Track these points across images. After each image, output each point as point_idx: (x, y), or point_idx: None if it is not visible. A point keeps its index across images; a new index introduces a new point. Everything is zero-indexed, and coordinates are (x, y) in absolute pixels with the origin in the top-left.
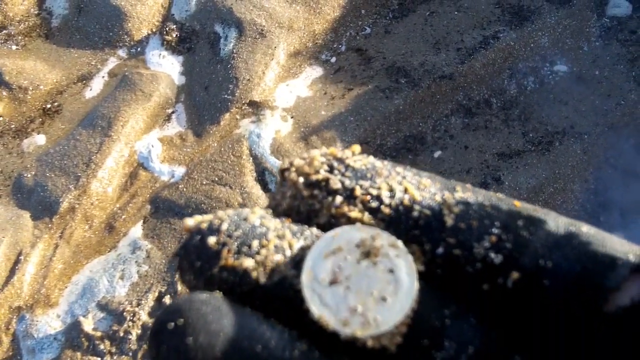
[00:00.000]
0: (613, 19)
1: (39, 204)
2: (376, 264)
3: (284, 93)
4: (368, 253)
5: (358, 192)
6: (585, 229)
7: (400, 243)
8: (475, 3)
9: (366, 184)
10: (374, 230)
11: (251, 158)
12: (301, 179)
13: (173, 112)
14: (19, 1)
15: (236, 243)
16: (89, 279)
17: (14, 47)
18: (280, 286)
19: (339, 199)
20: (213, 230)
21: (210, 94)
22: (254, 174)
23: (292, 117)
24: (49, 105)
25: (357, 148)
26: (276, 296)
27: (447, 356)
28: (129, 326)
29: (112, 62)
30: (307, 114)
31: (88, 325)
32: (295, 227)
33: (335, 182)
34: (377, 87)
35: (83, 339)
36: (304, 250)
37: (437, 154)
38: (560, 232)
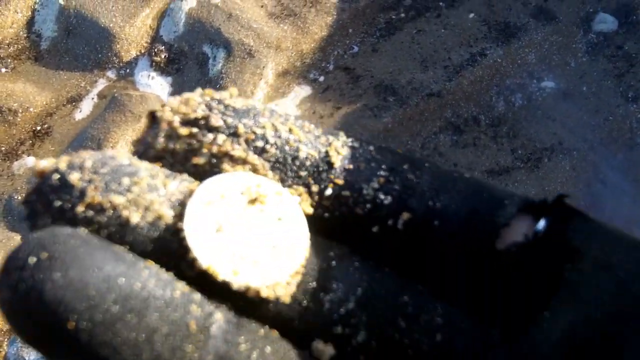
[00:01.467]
0: (599, 34)
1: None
2: (263, 212)
3: None
4: (254, 200)
5: (241, 130)
6: (468, 175)
7: (286, 191)
8: (461, 21)
9: (249, 122)
10: (258, 177)
11: None
12: (177, 118)
13: None
14: (7, 24)
15: (104, 180)
16: None
17: (3, 70)
18: (155, 227)
19: (221, 136)
20: (75, 167)
21: None
22: None
23: None
24: (38, 127)
25: (234, 91)
26: (150, 239)
27: (335, 298)
28: None
29: (101, 84)
30: None
31: None
32: (168, 171)
33: (217, 119)
34: (366, 106)
35: None
36: (183, 196)
37: None
38: (444, 176)
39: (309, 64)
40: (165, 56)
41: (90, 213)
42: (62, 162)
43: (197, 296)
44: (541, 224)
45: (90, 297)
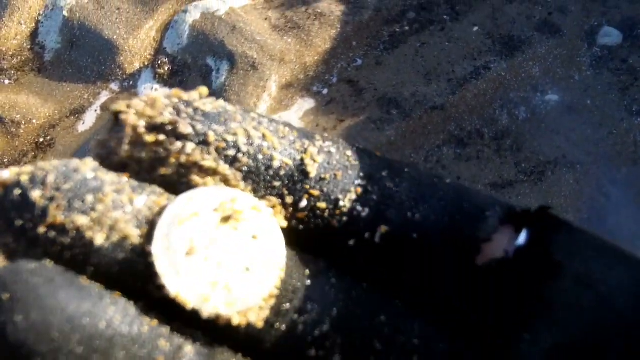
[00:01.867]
0: (604, 48)
1: None
2: (237, 230)
3: None
4: (228, 218)
5: (212, 138)
6: (449, 181)
7: (263, 205)
8: (465, 34)
9: (220, 129)
10: (233, 191)
11: None
12: (142, 122)
13: None
14: (11, 36)
15: (66, 197)
16: None
17: (6, 82)
18: (121, 248)
19: (190, 145)
20: (36, 182)
21: None
22: None
23: None
24: (41, 139)
25: (204, 90)
26: (116, 261)
27: (309, 320)
28: None
29: (104, 96)
30: None
31: None
32: (135, 182)
33: (185, 126)
34: (369, 119)
35: None
36: (150, 212)
37: None
38: (424, 183)
39: (312, 77)
40: (168, 68)
41: (53, 234)
42: (25, 175)
43: (166, 329)
44: (522, 238)
45: (53, 339)
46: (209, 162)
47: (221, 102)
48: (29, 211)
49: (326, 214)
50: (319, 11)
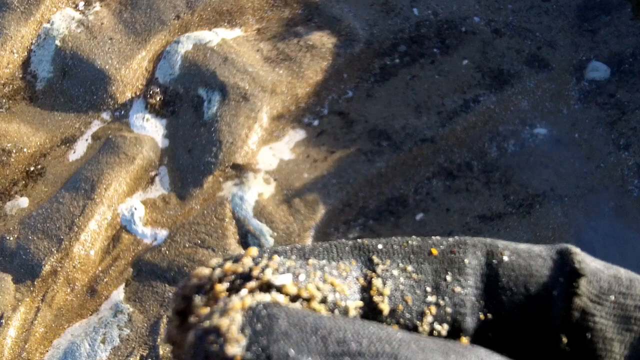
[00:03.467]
0: (592, 82)
1: (21, 267)
2: None
3: (267, 156)
4: None
5: None
6: (506, 258)
7: None
8: (455, 67)
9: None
10: None
11: (234, 221)
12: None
13: (156, 175)
14: (3, 64)
15: None
16: (70, 342)
17: None
18: None
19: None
20: None
21: (193, 157)
22: (237, 237)
23: (275, 180)
24: (32, 168)
25: (254, 251)
26: None
27: None
28: None
29: (96, 125)
30: (290, 176)
31: None
32: None
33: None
34: (360, 150)
35: None
36: None
37: (419, 216)
38: (484, 271)
39: (303, 108)
40: (160, 98)
41: None
42: None
43: None
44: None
45: None
46: None
47: (283, 260)
48: None
49: None
50: (311, 43)
